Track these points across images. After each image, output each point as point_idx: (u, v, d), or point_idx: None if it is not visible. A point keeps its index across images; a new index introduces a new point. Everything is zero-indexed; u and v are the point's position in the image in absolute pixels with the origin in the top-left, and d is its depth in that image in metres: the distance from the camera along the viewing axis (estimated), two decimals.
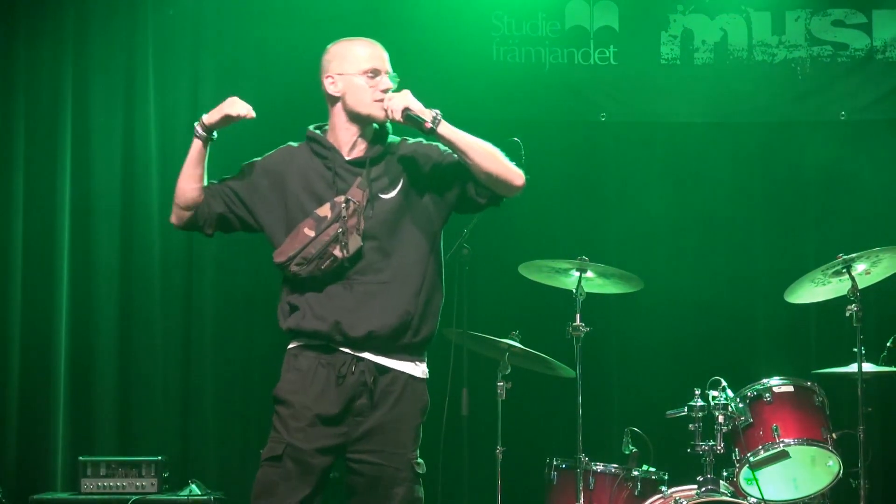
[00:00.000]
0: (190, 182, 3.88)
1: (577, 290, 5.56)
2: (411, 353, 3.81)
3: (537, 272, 5.75)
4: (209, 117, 3.84)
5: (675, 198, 6.78)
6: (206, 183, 3.91)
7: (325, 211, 3.74)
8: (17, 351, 6.40)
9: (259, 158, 3.94)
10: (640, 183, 6.80)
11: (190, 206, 3.92)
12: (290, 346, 3.86)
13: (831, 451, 5.34)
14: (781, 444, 5.34)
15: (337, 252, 3.70)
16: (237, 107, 3.83)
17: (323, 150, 3.85)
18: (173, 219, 3.99)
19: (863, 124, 6.80)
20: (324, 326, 3.74)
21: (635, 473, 5.48)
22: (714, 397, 5.36)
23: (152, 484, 5.87)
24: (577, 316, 5.52)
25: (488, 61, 6.83)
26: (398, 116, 3.72)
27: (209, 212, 3.92)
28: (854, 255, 5.39)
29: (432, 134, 3.74)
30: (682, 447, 5.42)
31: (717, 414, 5.34)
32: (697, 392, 5.38)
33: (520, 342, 5.52)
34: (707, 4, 6.87)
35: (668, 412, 5.47)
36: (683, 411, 5.38)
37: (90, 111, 6.60)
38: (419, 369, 3.84)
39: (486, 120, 6.71)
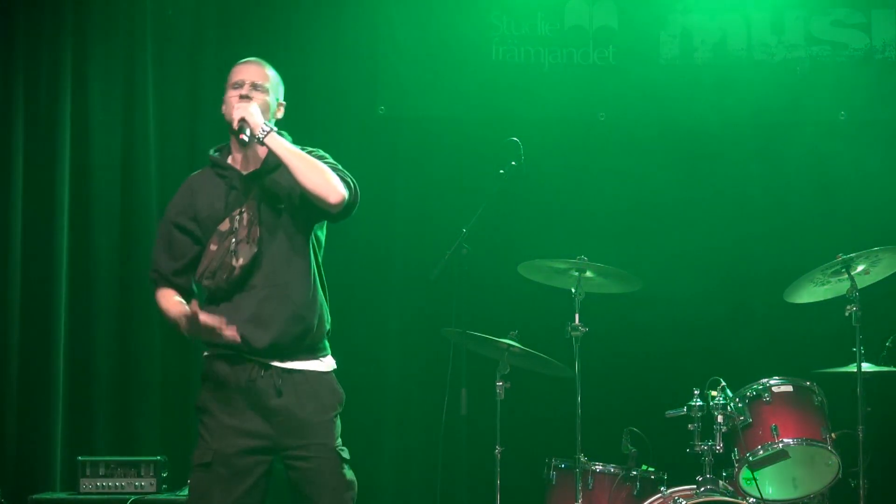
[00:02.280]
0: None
1: (575, 289, 5.56)
2: (314, 352, 4.09)
3: (536, 272, 5.75)
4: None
5: (674, 197, 6.77)
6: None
7: (225, 225, 4.05)
8: (17, 351, 6.40)
9: (168, 213, 4.21)
10: (640, 183, 6.79)
11: None
12: (205, 353, 4.17)
13: (830, 450, 5.34)
14: (781, 444, 5.34)
15: (233, 262, 4.01)
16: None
17: (221, 171, 4.14)
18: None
19: (862, 124, 6.80)
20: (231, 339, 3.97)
21: (634, 473, 5.48)
22: (713, 397, 5.36)
23: (151, 484, 5.86)
24: (576, 316, 5.52)
25: (488, 61, 6.83)
26: (235, 125, 4.03)
27: (190, 291, 4.23)
28: (853, 254, 5.39)
29: (255, 144, 4.02)
30: (681, 447, 5.42)
31: (716, 414, 5.35)
32: (697, 392, 5.39)
33: (519, 342, 5.52)
34: (706, 4, 6.87)
35: (667, 412, 5.47)
36: (683, 411, 5.39)
37: (90, 111, 6.59)
38: (324, 364, 4.12)
39: (486, 120, 6.76)
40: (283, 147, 4.02)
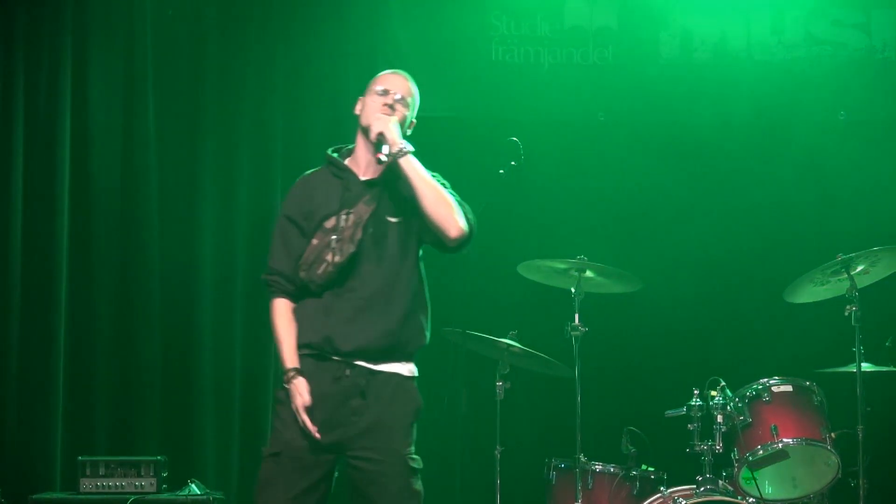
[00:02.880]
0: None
1: (575, 289, 5.56)
2: (399, 360, 4.06)
3: (536, 272, 5.76)
4: (293, 392, 4.02)
5: (673, 197, 6.77)
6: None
7: (331, 223, 4.04)
8: (17, 351, 6.40)
9: (284, 207, 4.19)
10: (639, 182, 6.80)
11: None
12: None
13: (830, 450, 5.34)
14: (780, 444, 5.34)
15: (328, 257, 3.98)
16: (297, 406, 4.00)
17: (339, 172, 4.13)
18: None
19: (862, 124, 6.80)
20: (316, 339, 4.02)
21: (634, 473, 5.48)
22: (713, 397, 5.36)
23: (151, 484, 5.86)
24: (576, 316, 5.52)
25: (487, 61, 6.83)
26: (372, 136, 4.01)
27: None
28: (853, 254, 5.39)
29: (390, 161, 3.99)
30: (681, 447, 5.42)
31: (716, 414, 5.35)
32: (696, 392, 5.39)
33: (518, 342, 5.53)
34: (706, 4, 6.87)
35: (667, 412, 5.47)
36: (682, 411, 5.39)
37: (89, 111, 6.59)
38: (406, 368, 4.09)
39: (486, 120, 6.76)
40: (417, 171, 4.00)
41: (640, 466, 5.51)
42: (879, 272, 5.55)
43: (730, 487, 5.35)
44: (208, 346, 6.60)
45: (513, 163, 5.06)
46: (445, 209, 3.99)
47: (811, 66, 6.87)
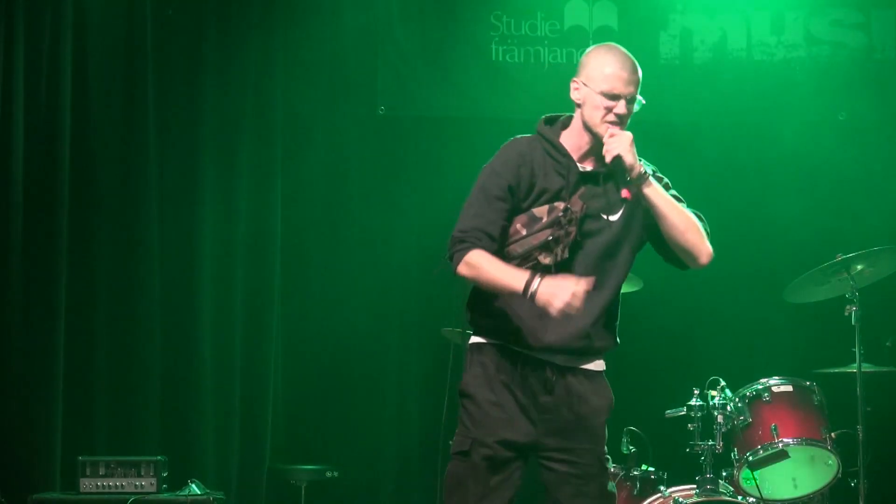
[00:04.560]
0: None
1: None
2: (591, 356, 3.81)
3: None
4: (541, 295, 3.53)
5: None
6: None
7: (541, 212, 3.66)
8: (17, 351, 6.39)
9: (497, 174, 3.73)
10: None
11: None
12: (473, 340, 3.82)
13: (830, 450, 5.34)
14: (780, 444, 5.34)
15: (542, 258, 3.64)
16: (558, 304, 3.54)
17: (557, 155, 3.73)
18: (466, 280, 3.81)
19: (862, 124, 6.80)
20: (507, 330, 3.70)
21: (634, 473, 5.48)
22: (713, 397, 5.36)
23: (151, 484, 5.86)
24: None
25: (487, 61, 6.83)
26: (608, 159, 3.64)
27: None
28: (853, 254, 5.39)
29: (634, 188, 3.65)
30: (681, 447, 5.42)
31: (716, 413, 5.34)
32: (696, 392, 5.38)
33: None
34: (706, 4, 6.87)
35: (667, 412, 5.47)
36: (682, 411, 5.38)
37: (89, 110, 6.59)
38: (597, 364, 3.83)
39: (486, 119, 6.75)
40: (662, 198, 3.66)
41: (640, 466, 5.51)
42: (879, 272, 5.55)
43: (730, 487, 5.35)
44: (208, 346, 6.60)
45: None
46: (695, 236, 3.71)
47: (811, 66, 6.87)
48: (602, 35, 6.88)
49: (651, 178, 3.66)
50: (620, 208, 3.72)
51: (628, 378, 6.67)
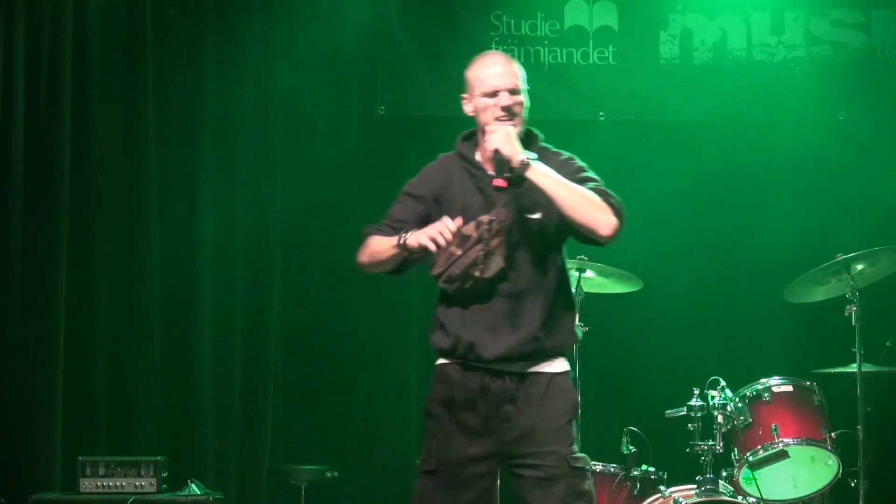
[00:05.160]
0: (381, 267, 3.94)
1: (576, 289, 5.55)
2: (548, 359, 3.86)
3: None
4: (411, 239, 3.78)
5: (674, 197, 6.77)
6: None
7: (469, 230, 3.78)
8: (17, 351, 6.39)
9: (416, 181, 3.97)
10: (639, 182, 6.78)
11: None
12: (437, 361, 3.94)
13: (830, 450, 5.34)
14: (780, 444, 5.34)
15: (477, 273, 3.75)
16: (424, 240, 3.75)
17: (473, 170, 3.89)
18: (364, 269, 4.03)
19: (862, 124, 6.80)
20: (460, 347, 3.82)
21: (634, 473, 5.47)
22: (713, 397, 5.36)
23: (151, 484, 5.86)
24: (576, 315, 5.50)
25: None
26: (488, 155, 3.79)
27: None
28: (853, 254, 5.39)
29: (513, 176, 3.75)
30: (681, 447, 5.42)
31: (716, 414, 5.34)
32: (696, 392, 5.38)
33: None
34: (706, 4, 6.87)
35: (667, 412, 5.47)
36: (682, 411, 5.38)
37: (89, 111, 6.59)
38: (556, 365, 3.87)
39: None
40: (547, 178, 3.74)
41: (641, 466, 5.51)
42: (880, 272, 5.55)
43: (730, 487, 5.35)
44: (208, 346, 6.60)
45: None
46: (591, 210, 3.75)
47: (811, 66, 6.86)
48: (602, 35, 6.88)
49: (533, 164, 3.73)
50: (541, 206, 3.81)
51: (628, 378, 6.71)
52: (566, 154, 3.96)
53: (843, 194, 6.73)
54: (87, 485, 5.85)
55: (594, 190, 3.82)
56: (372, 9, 6.80)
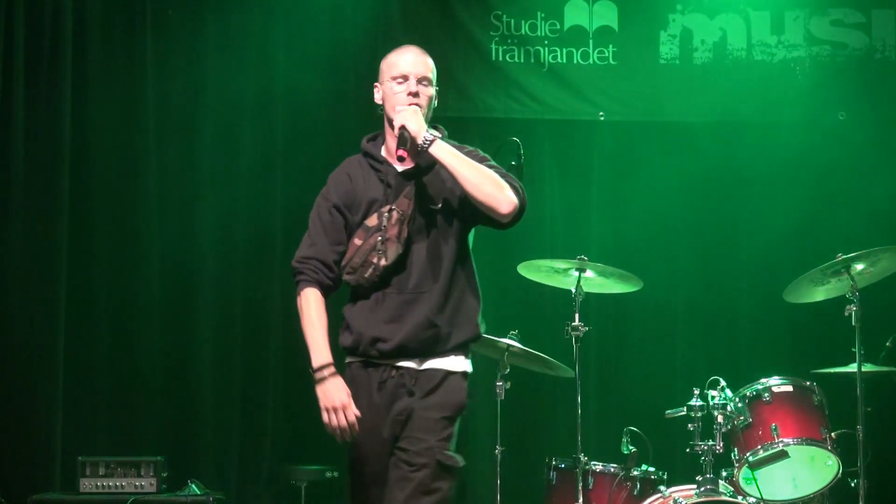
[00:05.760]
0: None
1: (576, 289, 5.55)
2: (446, 354, 3.89)
3: (536, 272, 5.75)
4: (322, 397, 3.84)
5: (674, 197, 6.77)
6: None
7: (372, 221, 3.86)
8: (16, 350, 6.39)
9: (326, 194, 4.00)
10: (639, 182, 6.80)
11: None
12: (347, 359, 3.97)
13: (830, 450, 5.33)
14: (780, 444, 5.33)
15: (375, 260, 3.82)
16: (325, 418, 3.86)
17: (376, 164, 3.96)
18: None
19: (862, 124, 6.80)
20: (363, 343, 3.87)
21: (634, 473, 5.47)
22: (713, 397, 5.36)
23: (151, 484, 5.86)
24: (576, 315, 5.51)
25: (487, 61, 6.83)
26: (395, 131, 3.84)
27: (339, 283, 4.00)
28: (853, 254, 5.38)
29: (416, 151, 3.82)
30: (681, 447, 5.42)
31: (716, 414, 5.34)
32: (696, 392, 5.38)
33: (519, 342, 5.52)
34: (706, 4, 6.87)
35: (667, 412, 5.46)
36: (682, 411, 5.38)
37: (90, 110, 6.59)
38: (453, 363, 3.90)
39: (486, 119, 6.76)
40: (450, 155, 3.80)
41: (641, 466, 5.51)
42: (880, 272, 5.55)
43: (730, 487, 5.35)
44: (208, 345, 6.60)
45: (513, 163, 5.04)
46: (491, 187, 3.79)
47: (811, 66, 6.86)
48: (602, 35, 6.88)
49: (439, 140, 3.80)
50: (444, 195, 3.87)
51: (628, 378, 6.71)
52: (470, 147, 3.97)
53: (843, 194, 6.73)
54: (87, 485, 5.85)
55: (497, 173, 3.87)
56: (372, 8, 6.80)
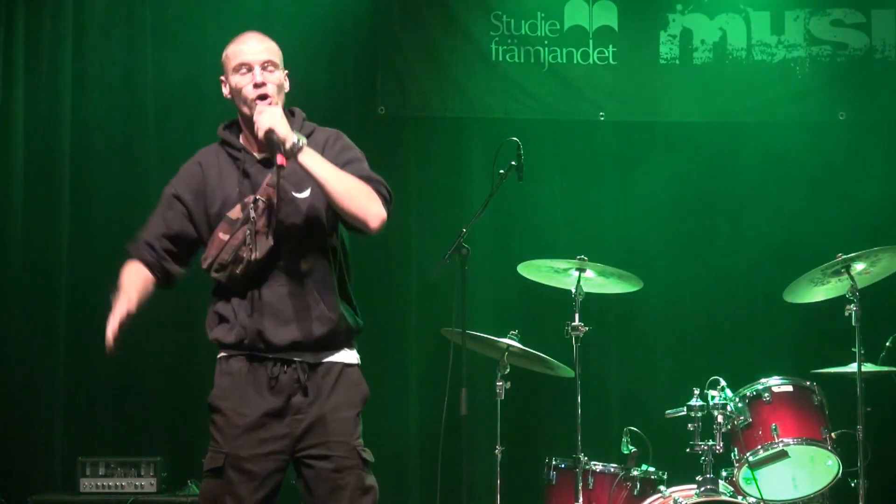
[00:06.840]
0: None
1: (576, 289, 5.55)
2: (339, 347, 3.77)
3: (536, 272, 5.75)
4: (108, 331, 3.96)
5: (674, 197, 6.77)
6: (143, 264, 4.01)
7: (236, 213, 3.69)
8: (17, 351, 6.39)
9: (172, 182, 3.90)
10: (639, 182, 6.80)
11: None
12: (220, 354, 3.84)
13: (830, 450, 5.33)
14: (780, 444, 5.33)
15: (245, 255, 3.66)
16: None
17: (234, 152, 3.78)
18: None
19: (862, 124, 6.80)
20: (247, 337, 3.71)
21: (634, 473, 5.47)
22: (713, 397, 5.36)
23: (151, 484, 5.87)
24: (576, 315, 5.51)
25: (487, 61, 6.83)
26: (260, 136, 3.60)
27: (169, 271, 4.00)
28: (853, 254, 5.38)
29: (289, 160, 3.60)
30: (681, 447, 5.42)
31: (716, 413, 5.34)
32: (696, 392, 5.38)
33: (519, 342, 5.52)
34: (706, 4, 6.87)
35: (667, 412, 5.46)
36: (682, 411, 5.38)
37: (89, 109, 6.59)
38: (347, 356, 3.80)
39: (486, 120, 6.76)
40: (317, 166, 3.58)
41: (641, 466, 5.51)
42: (880, 272, 5.54)
43: (730, 487, 5.35)
44: (208, 345, 6.58)
45: (513, 163, 5.05)
46: (360, 201, 3.61)
47: (811, 66, 6.87)
48: (602, 35, 6.89)
49: (306, 148, 3.58)
50: (310, 184, 3.68)
51: (628, 378, 6.71)
52: (331, 130, 3.83)
53: (843, 194, 6.73)
54: (87, 485, 5.86)
55: (363, 177, 3.69)
56: (372, 9, 6.80)
